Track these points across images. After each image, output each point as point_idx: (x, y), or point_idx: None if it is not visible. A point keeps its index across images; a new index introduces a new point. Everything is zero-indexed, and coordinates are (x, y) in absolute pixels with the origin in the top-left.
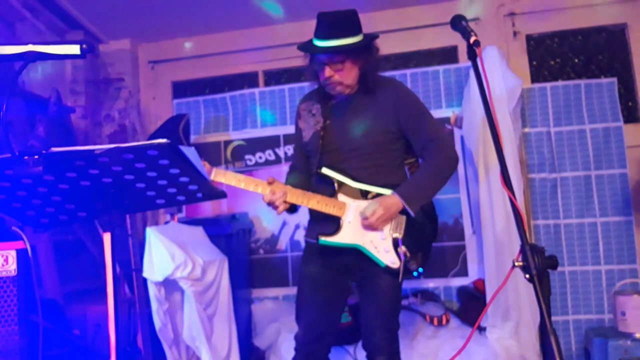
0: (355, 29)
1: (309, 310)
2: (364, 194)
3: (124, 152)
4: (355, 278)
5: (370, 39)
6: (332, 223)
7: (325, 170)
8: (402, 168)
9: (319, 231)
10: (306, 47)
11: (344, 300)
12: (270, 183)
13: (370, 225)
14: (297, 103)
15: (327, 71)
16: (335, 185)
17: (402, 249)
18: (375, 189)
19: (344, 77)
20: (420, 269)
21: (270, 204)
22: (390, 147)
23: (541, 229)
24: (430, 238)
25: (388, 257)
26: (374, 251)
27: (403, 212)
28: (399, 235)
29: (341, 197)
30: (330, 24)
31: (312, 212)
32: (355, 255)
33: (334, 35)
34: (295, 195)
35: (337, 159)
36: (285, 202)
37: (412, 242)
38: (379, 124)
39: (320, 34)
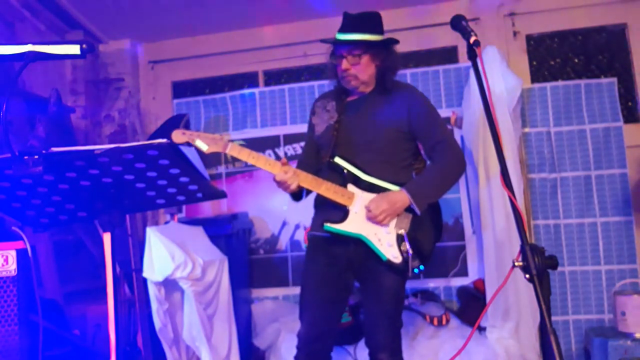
0: (377, 28)
1: (313, 308)
2: (373, 188)
3: (124, 152)
4: (358, 276)
5: (390, 42)
6: (339, 212)
7: (338, 160)
8: (409, 170)
9: (325, 218)
10: (327, 39)
11: (346, 298)
12: (284, 164)
13: (373, 218)
14: (314, 101)
15: (344, 63)
16: (346, 175)
17: (406, 245)
18: (384, 184)
19: (360, 71)
20: (422, 267)
21: (282, 182)
22: (401, 146)
23: (541, 229)
24: (434, 239)
25: (390, 252)
26: (377, 244)
27: (409, 209)
28: (403, 231)
29: (350, 187)
30: (354, 19)
31: (318, 203)
32: (360, 251)
33: (355, 30)
34: (307, 179)
35: (350, 152)
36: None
37: (416, 240)
38: (392, 123)
39: (343, 28)
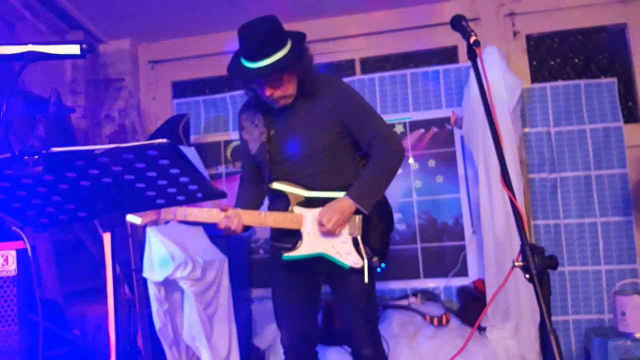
0: (281, 39)
1: (288, 315)
2: (318, 202)
3: (124, 152)
4: (325, 280)
5: (298, 44)
6: (293, 235)
7: (275, 185)
8: (353, 165)
9: (281, 247)
10: (237, 70)
11: (318, 299)
12: (224, 210)
13: (327, 231)
14: (238, 113)
15: (267, 90)
16: (289, 198)
17: (362, 247)
18: (328, 194)
19: (285, 90)
20: (383, 265)
21: (226, 229)
22: (338, 147)
23: (541, 229)
24: (387, 231)
25: (351, 259)
26: (336, 256)
27: (357, 211)
28: (357, 234)
29: (297, 209)
30: (256, 42)
31: None
32: (321, 260)
33: (263, 54)
34: (251, 217)
35: (287, 170)
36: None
37: (371, 238)
38: (323, 128)
39: (248, 55)
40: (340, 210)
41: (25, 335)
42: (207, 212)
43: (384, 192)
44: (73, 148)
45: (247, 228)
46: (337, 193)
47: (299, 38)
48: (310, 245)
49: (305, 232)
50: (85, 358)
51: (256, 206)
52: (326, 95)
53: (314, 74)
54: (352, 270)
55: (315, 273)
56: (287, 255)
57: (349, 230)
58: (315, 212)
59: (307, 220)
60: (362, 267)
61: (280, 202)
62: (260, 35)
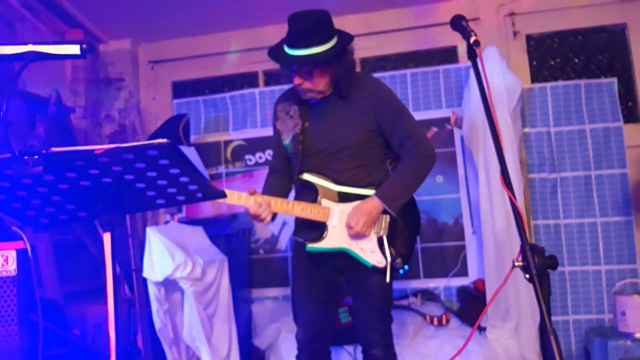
0: (325, 35)
1: (307, 310)
2: (347, 197)
3: (124, 152)
4: (345, 277)
5: (341, 46)
6: (318, 228)
7: (306, 176)
8: (383, 165)
9: (306, 237)
10: (276, 53)
11: (338, 296)
12: (251, 194)
13: (357, 234)
14: (274, 103)
15: (296, 79)
16: (318, 190)
17: (387, 247)
18: (357, 190)
19: (314, 84)
20: (406, 267)
21: (257, 216)
22: (370, 145)
23: (541, 229)
24: (413, 233)
25: (374, 257)
26: (360, 253)
27: (385, 211)
28: (383, 234)
29: (324, 202)
30: (299, 31)
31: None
32: (344, 256)
33: (301, 45)
34: (278, 205)
35: (318, 163)
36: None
37: (397, 239)
38: (357, 125)
39: (289, 41)
40: (368, 212)
41: (25, 335)
42: (237, 196)
43: (413, 194)
44: (73, 148)
45: (274, 216)
46: (366, 190)
47: (344, 40)
48: (335, 239)
49: (330, 225)
50: (85, 358)
51: (283, 196)
52: (363, 93)
53: (352, 74)
54: (374, 269)
55: (336, 270)
56: (311, 246)
57: (375, 228)
58: (343, 207)
59: (334, 214)
60: (385, 267)
61: (309, 193)
62: (304, 26)
